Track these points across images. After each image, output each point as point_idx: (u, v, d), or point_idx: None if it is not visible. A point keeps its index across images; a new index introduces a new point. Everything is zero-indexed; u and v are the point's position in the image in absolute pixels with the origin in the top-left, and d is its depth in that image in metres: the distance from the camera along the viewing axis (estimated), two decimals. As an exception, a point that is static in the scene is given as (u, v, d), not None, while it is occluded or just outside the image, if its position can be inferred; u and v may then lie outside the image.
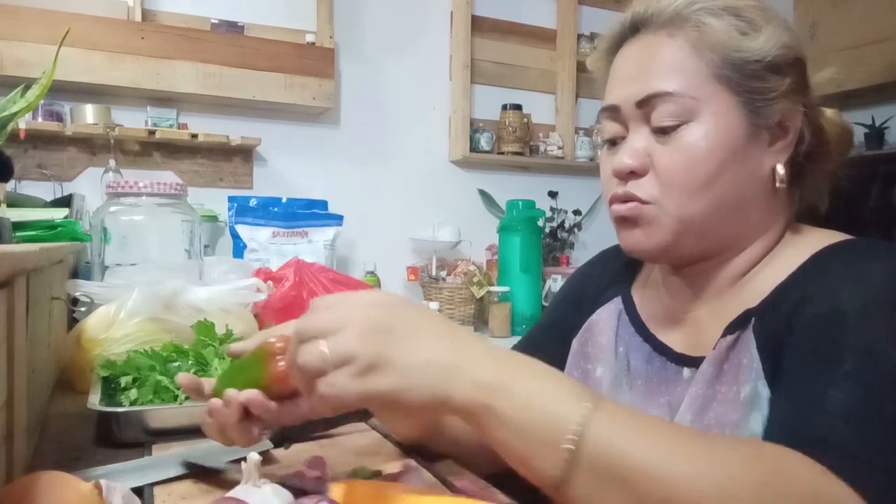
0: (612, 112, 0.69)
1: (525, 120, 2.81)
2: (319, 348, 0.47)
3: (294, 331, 0.50)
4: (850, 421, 0.49)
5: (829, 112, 0.71)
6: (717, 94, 0.63)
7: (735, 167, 0.64)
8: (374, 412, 0.50)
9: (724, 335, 0.64)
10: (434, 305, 2.37)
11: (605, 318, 0.79)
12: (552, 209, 2.93)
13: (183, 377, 0.62)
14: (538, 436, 0.45)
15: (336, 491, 0.54)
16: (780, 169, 0.65)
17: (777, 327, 0.60)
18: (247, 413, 0.56)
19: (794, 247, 0.66)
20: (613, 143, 0.69)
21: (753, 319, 0.63)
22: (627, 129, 0.67)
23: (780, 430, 0.53)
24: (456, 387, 0.46)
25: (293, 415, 0.57)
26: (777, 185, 0.66)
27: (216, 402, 0.57)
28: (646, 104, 0.65)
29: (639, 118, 0.66)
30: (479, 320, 2.55)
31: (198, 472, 0.67)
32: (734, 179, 0.64)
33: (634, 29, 0.69)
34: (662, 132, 0.64)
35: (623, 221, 0.68)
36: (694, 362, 0.67)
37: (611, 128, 0.69)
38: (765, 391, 0.59)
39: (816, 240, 0.65)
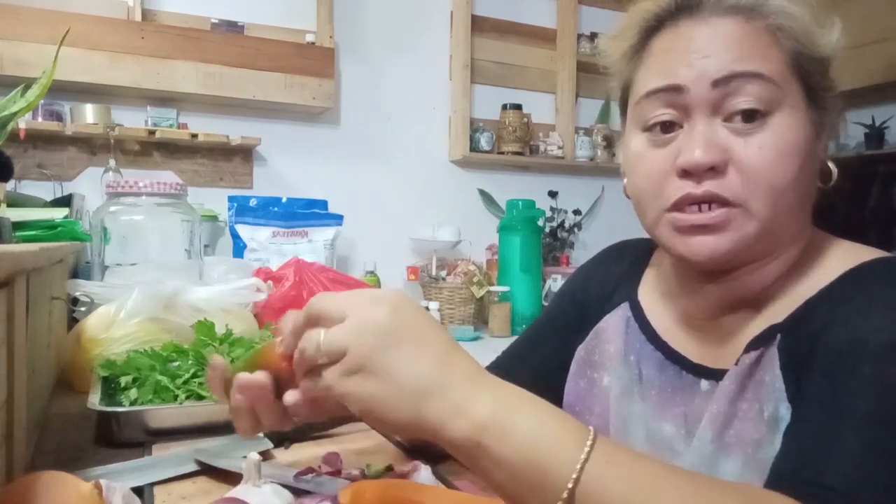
0: (672, 93, 0.60)
1: (525, 120, 2.81)
2: (317, 336, 0.46)
3: (304, 309, 0.48)
4: (859, 470, 0.47)
5: None
6: (795, 86, 0.59)
7: (808, 166, 0.59)
8: (362, 419, 0.48)
9: (747, 350, 0.61)
10: (434, 305, 2.37)
11: (613, 326, 0.76)
12: (552, 209, 2.93)
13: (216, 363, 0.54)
14: (533, 479, 0.43)
15: (350, 489, 0.54)
16: (833, 167, 0.61)
17: (802, 348, 0.57)
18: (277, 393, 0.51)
19: (823, 259, 0.62)
20: (667, 129, 0.61)
21: (779, 336, 0.59)
22: (688, 115, 0.60)
23: (789, 466, 0.51)
24: (445, 420, 0.44)
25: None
26: (830, 184, 0.62)
27: (246, 376, 0.51)
28: (726, 84, 0.58)
29: (707, 103, 0.58)
30: (479, 320, 2.55)
31: (198, 472, 0.67)
32: (806, 180, 0.60)
33: (691, 8, 0.62)
34: (745, 119, 0.58)
35: (698, 229, 0.59)
36: (713, 374, 0.64)
37: (659, 113, 0.61)
38: (787, 413, 0.56)
39: (844, 253, 0.62)
